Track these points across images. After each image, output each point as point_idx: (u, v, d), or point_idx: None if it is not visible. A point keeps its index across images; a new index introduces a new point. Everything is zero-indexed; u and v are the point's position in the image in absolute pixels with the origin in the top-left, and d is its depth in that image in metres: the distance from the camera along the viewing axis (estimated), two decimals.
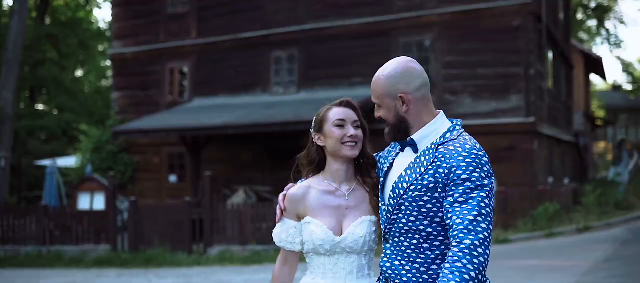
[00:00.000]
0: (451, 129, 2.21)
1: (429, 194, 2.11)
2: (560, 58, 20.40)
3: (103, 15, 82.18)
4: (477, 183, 2.05)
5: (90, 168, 17.87)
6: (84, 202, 13.75)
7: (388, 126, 2.26)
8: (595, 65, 30.04)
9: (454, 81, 16.02)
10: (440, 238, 2.14)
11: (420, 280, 2.15)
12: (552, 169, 17.91)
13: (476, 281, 1.95)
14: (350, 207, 2.38)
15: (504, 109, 15.57)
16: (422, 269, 2.15)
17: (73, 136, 26.91)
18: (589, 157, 26.66)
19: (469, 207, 2.02)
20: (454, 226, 2.02)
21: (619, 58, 52.61)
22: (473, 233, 1.99)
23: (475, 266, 1.95)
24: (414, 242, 2.17)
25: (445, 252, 2.13)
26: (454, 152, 2.10)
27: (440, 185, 2.10)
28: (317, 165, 2.45)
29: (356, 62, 16.58)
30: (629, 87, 44.00)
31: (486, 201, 2.04)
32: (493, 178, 2.10)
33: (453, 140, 2.15)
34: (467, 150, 2.09)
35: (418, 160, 2.18)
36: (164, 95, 19.72)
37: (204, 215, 13.13)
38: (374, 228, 2.35)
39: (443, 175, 2.09)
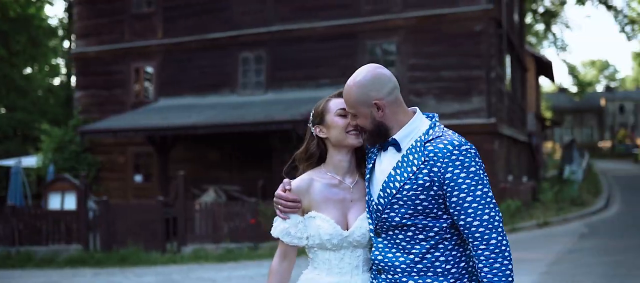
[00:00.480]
0: (432, 125, 2.26)
1: (425, 192, 2.16)
2: (516, 61, 21.21)
3: (55, 11, 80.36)
4: (476, 178, 2.13)
5: (53, 168, 17.65)
6: (54, 202, 13.62)
7: (365, 133, 2.29)
8: (545, 68, 31.28)
9: (418, 83, 16.52)
10: (436, 229, 2.19)
11: (415, 269, 2.20)
12: (510, 168, 18.64)
13: (513, 271, 2.12)
14: (354, 199, 2.34)
15: (466, 110, 16.15)
16: (416, 259, 2.20)
17: (26, 135, 26.33)
18: (539, 156, 27.74)
19: (479, 206, 2.12)
20: (472, 228, 2.12)
21: (564, 61, 54.60)
22: (494, 230, 2.11)
23: (508, 259, 2.12)
24: (410, 233, 2.21)
25: (439, 242, 2.20)
26: (444, 151, 2.15)
27: (436, 184, 2.15)
28: (317, 160, 2.41)
29: (323, 64, 16.84)
30: (574, 89, 45.71)
31: (490, 194, 2.15)
32: (483, 166, 2.20)
33: (439, 136, 2.20)
34: (457, 147, 2.15)
35: (406, 159, 2.21)
36: (129, 95, 19.58)
37: (178, 214, 13.21)
38: None
39: (438, 174, 2.14)
